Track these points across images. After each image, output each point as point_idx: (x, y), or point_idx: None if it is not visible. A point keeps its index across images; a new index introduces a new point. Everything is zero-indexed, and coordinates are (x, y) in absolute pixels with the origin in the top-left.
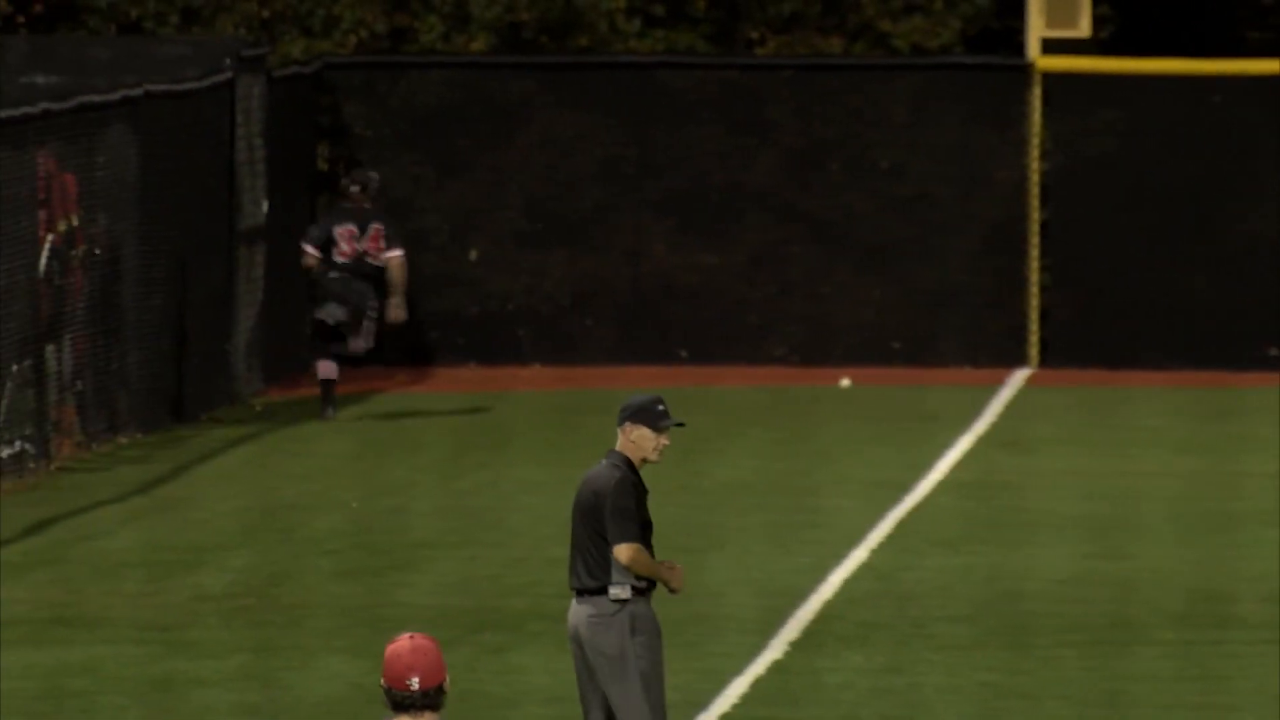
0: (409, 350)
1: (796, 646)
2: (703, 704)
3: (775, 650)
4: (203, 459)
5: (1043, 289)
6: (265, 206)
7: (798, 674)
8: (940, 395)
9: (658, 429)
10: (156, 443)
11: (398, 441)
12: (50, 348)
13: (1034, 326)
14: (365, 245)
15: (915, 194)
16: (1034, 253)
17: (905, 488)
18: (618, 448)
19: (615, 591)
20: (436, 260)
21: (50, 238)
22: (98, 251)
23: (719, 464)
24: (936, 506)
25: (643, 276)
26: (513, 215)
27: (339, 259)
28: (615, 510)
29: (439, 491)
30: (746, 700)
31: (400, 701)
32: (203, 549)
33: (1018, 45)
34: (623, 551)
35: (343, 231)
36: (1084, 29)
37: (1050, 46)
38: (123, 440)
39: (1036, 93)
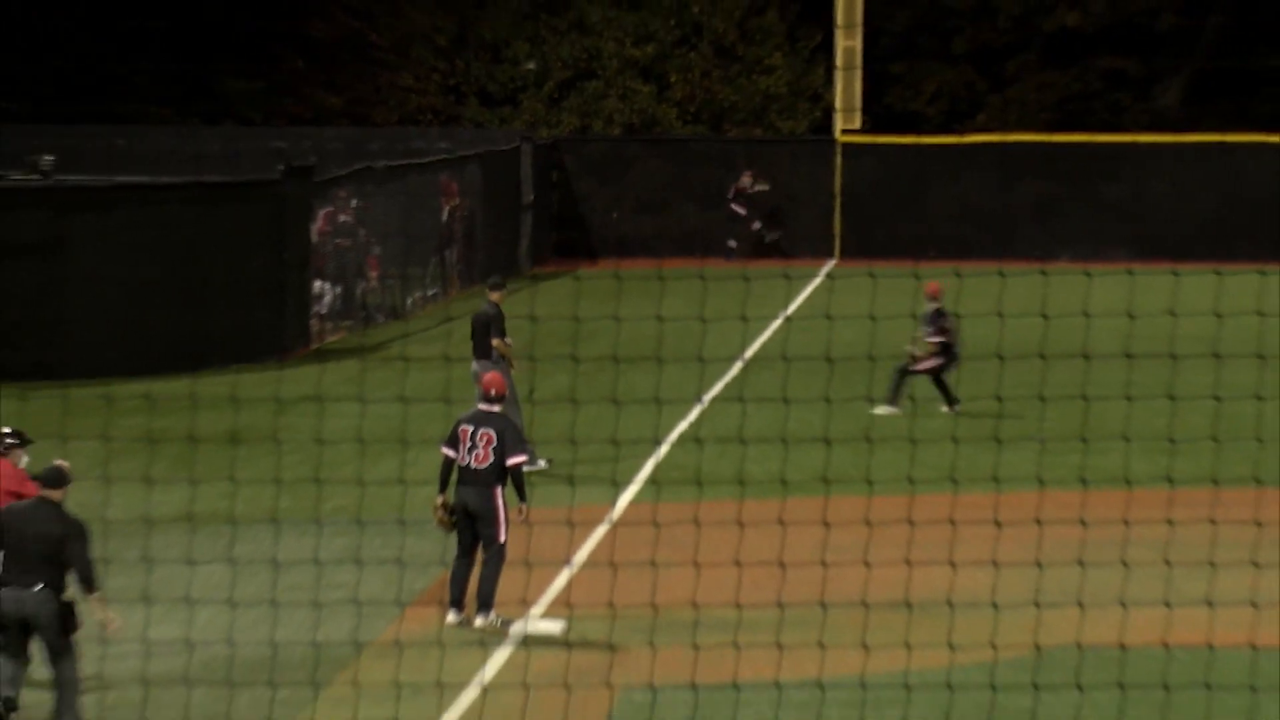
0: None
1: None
2: None
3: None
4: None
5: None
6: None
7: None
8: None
9: None
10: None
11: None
12: (445, 253)
13: (839, 230)
14: None
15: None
16: (839, 219)
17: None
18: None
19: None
20: None
21: (447, 209)
22: (466, 215)
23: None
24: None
25: None
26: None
27: None
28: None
29: None
30: None
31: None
32: None
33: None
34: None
35: None
36: (854, 123)
37: (848, 130)
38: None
39: (839, 151)
